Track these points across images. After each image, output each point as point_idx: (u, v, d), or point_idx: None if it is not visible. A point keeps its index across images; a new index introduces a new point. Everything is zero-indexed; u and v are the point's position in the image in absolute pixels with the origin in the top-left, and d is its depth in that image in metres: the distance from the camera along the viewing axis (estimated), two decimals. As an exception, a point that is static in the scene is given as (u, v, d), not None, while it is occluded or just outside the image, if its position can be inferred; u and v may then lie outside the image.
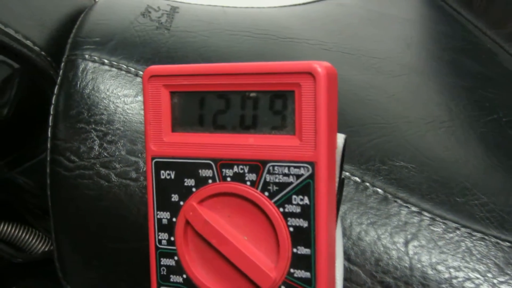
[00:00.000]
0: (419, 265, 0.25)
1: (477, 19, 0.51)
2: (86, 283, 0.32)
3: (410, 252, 0.26)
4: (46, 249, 0.41)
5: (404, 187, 0.28)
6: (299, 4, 0.50)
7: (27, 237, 0.40)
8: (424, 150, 0.31)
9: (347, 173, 0.29)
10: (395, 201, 0.27)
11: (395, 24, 0.49)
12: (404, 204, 0.27)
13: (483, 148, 0.32)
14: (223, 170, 0.23)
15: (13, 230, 0.40)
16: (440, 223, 0.26)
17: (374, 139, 0.31)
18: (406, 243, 0.26)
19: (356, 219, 0.27)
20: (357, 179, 0.28)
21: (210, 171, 0.23)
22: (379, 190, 0.28)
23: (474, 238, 0.26)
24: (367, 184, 0.28)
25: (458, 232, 0.26)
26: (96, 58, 0.33)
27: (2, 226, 0.40)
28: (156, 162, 0.24)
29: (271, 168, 0.22)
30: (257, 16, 0.44)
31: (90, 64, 0.33)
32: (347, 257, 0.26)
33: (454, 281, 0.25)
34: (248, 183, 0.22)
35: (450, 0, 0.54)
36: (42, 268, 0.40)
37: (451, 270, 0.25)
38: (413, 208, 0.27)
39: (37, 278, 0.40)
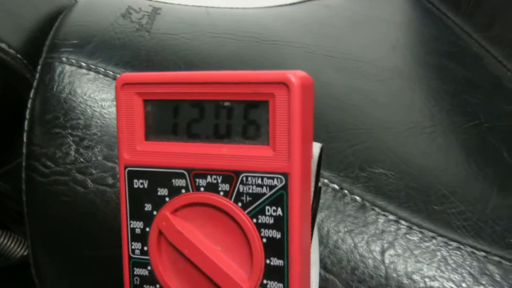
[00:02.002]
0: (394, 274, 0.25)
1: (464, 22, 0.51)
2: (63, 290, 0.31)
3: (386, 261, 0.25)
4: (25, 253, 0.40)
5: (383, 194, 0.28)
6: (285, 5, 0.50)
7: (5, 241, 0.40)
8: (404, 157, 0.31)
9: (325, 180, 0.28)
10: (373, 209, 0.27)
11: (381, 27, 0.49)
12: (382, 212, 0.27)
13: (464, 155, 0.32)
14: (197, 179, 0.22)
15: (-10, 235, 0.39)
16: (417, 232, 0.26)
17: (354, 145, 0.31)
18: (383, 252, 0.26)
19: (333, 227, 0.27)
20: (335, 186, 0.28)
21: (184, 180, 0.23)
22: (357, 198, 0.28)
23: (450, 247, 0.26)
24: (346, 191, 0.28)
25: (434, 241, 0.26)
26: (73, 61, 0.33)
27: (-20, 229, 0.40)
28: (129, 171, 0.23)
29: (244, 178, 0.22)
30: (240, 18, 0.43)
31: (67, 67, 0.32)
32: (323, 265, 0.26)
33: (430, 291, 0.24)
34: (222, 193, 0.22)
35: (437, 2, 0.54)
36: (21, 274, 0.40)
37: (426, 279, 0.25)
38: (391, 217, 0.27)
39: (15, 284, 0.40)
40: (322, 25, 0.46)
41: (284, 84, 0.20)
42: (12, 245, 0.40)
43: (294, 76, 0.20)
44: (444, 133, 0.34)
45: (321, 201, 0.27)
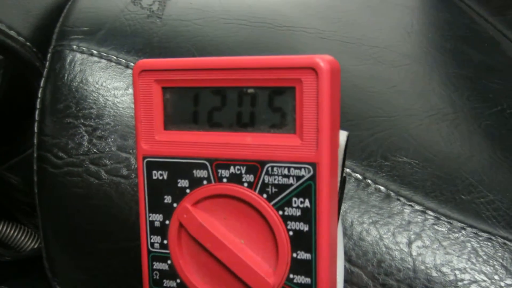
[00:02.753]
0: (423, 267, 0.24)
1: (479, 5, 0.49)
2: (76, 284, 0.31)
3: (414, 253, 0.25)
4: (36, 246, 0.40)
5: (408, 184, 0.27)
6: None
7: (15, 234, 0.39)
8: (427, 144, 0.30)
9: (348, 170, 0.28)
10: (398, 199, 0.26)
11: (395, 11, 0.47)
12: (408, 203, 0.26)
13: (488, 142, 0.31)
14: (219, 170, 0.21)
15: (0, 227, 0.38)
16: (445, 223, 0.25)
17: (375, 133, 0.30)
18: (410, 244, 0.25)
19: (357, 218, 0.26)
20: (358, 176, 0.27)
21: (205, 171, 0.22)
22: (382, 188, 0.27)
23: (480, 238, 0.25)
24: (369, 181, 0.27)
25: (463, 232, 0.25)
26: (84, 48, 0.32)
27: (-11, 222, 0.39)
28: (147, 162, 0.22)
29: (270, 169, 0.21)
30: (253, 3, 0.42)
31: (78, 55, 0.31)
32: (348, 258, 0.25)
33: (460, 283, 0.24)
34: (246, 184, 0.21)
35: (451, -15, 0.52)
36: (32, 266, 0.39)
37: (457, 272, 0.24)
38: (417, 207, 0.26)
39: (26, 277, 0.39)
40: (336, 10, 0.45)
41: (312, 69, 0.19)
42: (23, 238, 0.39)
43: (323, 60, 0.19)
44: (467, 120, 0.33)
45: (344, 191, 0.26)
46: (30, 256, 0.39)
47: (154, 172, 0.22)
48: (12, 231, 0.39)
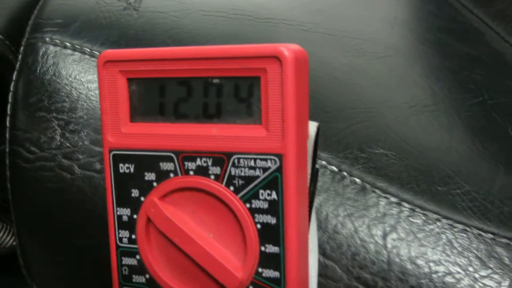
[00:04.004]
0: (397, 259, 0.24)
1: (464, -3, 0.49)
2: (52, 281, 0.30)
3: (389, 246, 0.24)
4: (15, 243, 0.39)
5: (383, 176, 0.27)
6: (280, -18, 0.48)
7: (-7, 230, 0.39)
8: (405, 136, 0.29)
9: (323, 162, 0.27)
10: (374, 191, 0.26)
11: (379, 4, 0.47)
12: (383, 195, 0.26)
13: (468, 133, 0.31)
14: (186, 163, 0.21)
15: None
16: (420, 214, 0.25)
17: (353, 125, 0.30)
18: (385, 236, 0.25)
19: (332, 211, 0.25)
20: (334, 168, 0.27)
21: (172, 164, 0.21)
22: (357, 180, 0.26)
23: (455, 229, 0.24)
24: (345, 173, 0.27)
25: (438, 223, 0.25)
26: (57, 41, 0.31)
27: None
28: (114, 155, 0.22)
29: (236, 160, 0.20)
30: (233, -5, 0.41)
31: (51, 47, 0.31)
32: (322, 251, 0.25)
33: (434, 275, 0.23)
34: (212, 177, 0.21)
35: (437, -23, 0.52)
36: (10, 264, 0.39)
37: (431, 264, 0.23)
38: (392, 199, 0.26)
39: (5, 274, 0.39)
40: (321, 3, 0.44)
41: (276, 58, 0.19)
42: (1, 234, 0.39)
43: (287, 49, 0.19)
44: (447, 111, 0.32)
45: (319, 183, 0.26)
46: (9, 253, 0.38)
47: (120, 165, 0.22)
48: (-11, 228, 0.39)
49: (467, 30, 0.45)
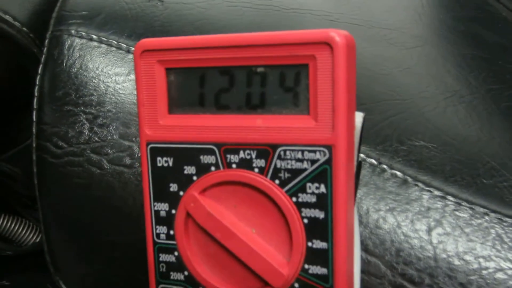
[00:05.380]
0: (444, 255, 0.23)
1: (490, -14, 0.48)
2: (79, 278, 0.30)
3: (434, 241, 0.23)
4: (37, 240, 0.38)
5: (425, 169, 0.26)
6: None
7: (16, 228, 0.38)
8: (444, 128, 0.28)
9: (362, 155, 0.26)
10: (416, 185, 0.25)
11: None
12: (426, 188, 0.25)
13: (508, 124, 0.30)
14: (228, 155, 0.20)
15: (0, 221, 0.37)
16: (467, 208, 0.24)
17: (390, 116, 0.29)
18: (429, 231, 0.24)
19: (373, 205, 0.25)
20: (373, 161, 0.26)
21: (213, 157, 0.20)
22: (398, 173, 0.25)
23: (505, 224, 0.23)
24: (385, 166, 0.26)
25: (487, 217, 0.24)
26: (83, 33, 0.30)
27: (-11, 217, 0.38)
28: (151, 148, 0.21)
29: (282, 153, 0.19)
30: (257, -14, 0.40)
31: (77, 40, 0.30)
32: (364, 247, 0.24)
33: (484, 272, 0.22)
34: (256, 170, 0.20)
35: (460, -34, 0.50)
36: (33, 261, 0.38)
37: (481, 260, 0.23)
38: (436, 192, 0.25)
39: (28, 272, 0.38)
40: (343, -8, 0.43)
41: (327, 44, 0.18)
42: (24, 231, 0.38)
43: (339, 35, 0.18)
44: (485, 101, 0.31)
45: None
46: (32, 250, 0.38)
47: (158, 159, 0.21)
48: (12, 225, 0.38)
49: (495, 19, 0.44)
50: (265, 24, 0.36)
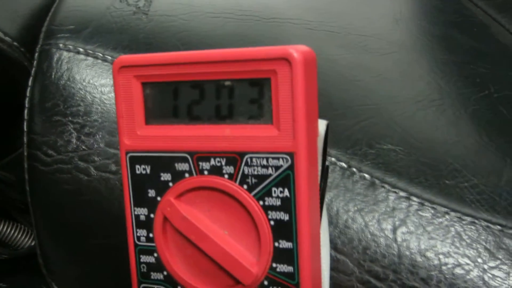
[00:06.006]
0: (407, 252, 0.24)
1: (468, -10, 0.49)
2: (71, 280, 0.31)
3: (399, 239, 0.25)
4: (33, 244, 0.40)
5: (392, 171, 0.27)
6: (285, -19, 0.48)
7: (11, 232, 0.40)
8: (412, 131, 0.30)
9: (333, 159, 0.28)
10: (383, 186, 0.26)
11: (383, 0, 0.47)
12: (392, 189, 0.26)
13: (475, 127, 0.31)
14: (200, 163, 0.22)
15: (-3, 226, 0.39)
16: (429, 208, 0.25)
17: (361, 121, 0.30)
18: (394, 230, 0.25)
19: (342, 207, 0.26)
20: (343, 164, 0.28)
21: (187, 164, 0.22)
22: (366, 175, 0.27)
23: (464, 222, 0.25)
24: (354, 169, 0.27)
25: (447, 216, 0.25)
26: (71, 47, 0.32)
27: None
28: (130, 157, 0.23)
29: (249, 160, 0.21)
30: (240, -4, 0.42)
31: (65, 53, 0.32)
32: (333, 246, 0.25)
33: (444, 267, 0.24)
34: (226, 176, 0.21)
35: (440, -29, 0.52)
36: (29, 264, 0.40)
37: (441, 256, 0.24)
38: (401, 193, 0.26)
39: (24, 274, 0.40)
40: (324, 0, 0.45)
41: (286, 60, 0.20)
42: (19, 235, 0.40)
43: (296, 51, 0.20)
44: (453, 105, 0.33)
45: (329, 180, 0.27)
46: (27, 254, 0.39)
47: (137, 166, 0.23)
48: (8, 229, 0.40)
49: (472, 23, 0.45)
50: (246, 33, 0.37)
